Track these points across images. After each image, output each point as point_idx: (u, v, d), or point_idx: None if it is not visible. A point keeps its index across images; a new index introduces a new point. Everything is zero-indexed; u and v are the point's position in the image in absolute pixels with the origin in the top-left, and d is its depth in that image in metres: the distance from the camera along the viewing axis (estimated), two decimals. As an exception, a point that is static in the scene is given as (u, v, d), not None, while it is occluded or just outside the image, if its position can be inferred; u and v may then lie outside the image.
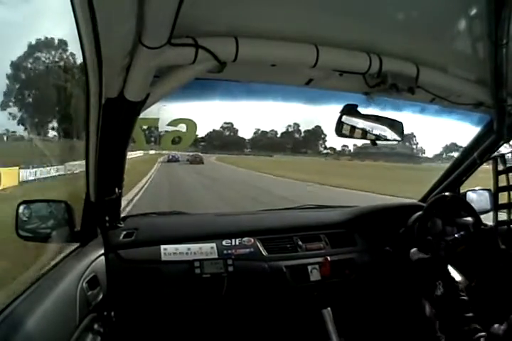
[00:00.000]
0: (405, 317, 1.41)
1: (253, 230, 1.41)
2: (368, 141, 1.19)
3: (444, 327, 1.09)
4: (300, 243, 1.41)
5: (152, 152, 28.56)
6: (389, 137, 1.20)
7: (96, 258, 1.10)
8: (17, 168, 10.48)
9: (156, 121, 1.15)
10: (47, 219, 1.13)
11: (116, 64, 0.77)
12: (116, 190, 1.17)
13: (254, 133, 61.43)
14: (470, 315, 1.01)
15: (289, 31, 0.90)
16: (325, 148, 59.85)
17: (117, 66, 0.78)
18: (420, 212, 1.41)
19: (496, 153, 1.46)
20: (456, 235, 1.26)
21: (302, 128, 61.07)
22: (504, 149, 1.46)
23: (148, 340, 1.28)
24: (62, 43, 28.65)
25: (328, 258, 1.37)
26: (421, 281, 1.27)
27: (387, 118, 1.20)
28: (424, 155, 53.32)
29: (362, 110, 1.14)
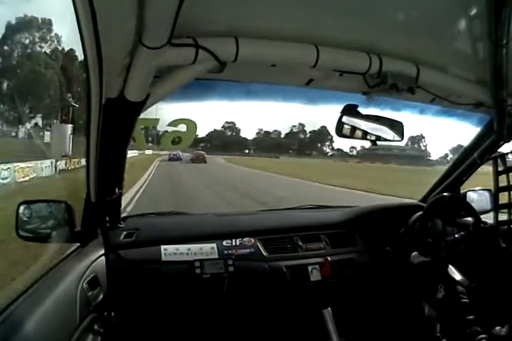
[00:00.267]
0: (406, 318, 1.41)
1: (253, 230, 1.41)
2: (378, 143, 1.19)
3: (445, 329, 1.09)
4: (300, 243, 1.41)
5: (149, 152, 26.71)
6: (389, 137, 1.20)
7: (96, 258, 1.10)
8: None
9: (157, 122, 1.15)
10: (47, 220, 1.13)
11: (116, 64, 0.77)
12: (117, 190, 1.17)
13: (257, 133, 60.69)
14: (471, 317, 1.01)
15: (289, 31, 0.90)
16: (332, 149, 58.97)
17: (117, 66, 0.78)
18: (420, 212, 1.41)
19: (496, 153, 1.47)
20: (456, 235, 1.26)
21: (307, 129, 60.21)
22: (504, 149, 1.46)
23: (149, 340, 1.28)
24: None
25: (329, 258, 1.37)
26: (422, 284, 1.27)
27: (387, 118, 1.20)
28: (435, 157, 52.77)
29: (362, 110, 1.14)
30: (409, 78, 1.04)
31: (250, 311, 1.34)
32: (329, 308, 1.39)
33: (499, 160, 1.44)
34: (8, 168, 9.50)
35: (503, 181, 1.44)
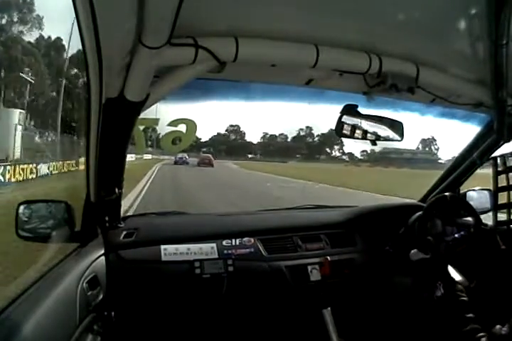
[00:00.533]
0: (405, 318, 1.41)
1: (253, 230, 1.41)
2: (390, 147, 1.19)
3: (445, 327, 1.09)
4: (300, 243, 1.41)
5: (148, 156, 24.55)
6: (389, 137, 1.20)
7: (96, 258, 1.10)
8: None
9: (156, 122, 1.15)
10: (47, 219, 1.12)
11: (116, 64, 0.77)
12: (116, 190, 1.17)
13: (263, 137, 59.63)
14: (470, 315, 1.01)
15: (288, 31, 0.90)
16: (343, 153, 57.66)
17: (117, 66, 0.78)
18: (420, 212, 1.41)
19: (496, 153, 1.47)
20: (456, 235, 1.26)
21: (315, 132, 58.86)
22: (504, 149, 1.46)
23: (149, 340, 1.28)
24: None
25: (328, 258, 1.37)
26: (421, 282, 1.27)
27: (387, 118, 1.20)
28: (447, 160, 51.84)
29: (362, 110, 1.14)
30: (409, 78, 1.04)
31: (250, 311, 1.34)
32: (329, 308, 1.39)
33: (499, 160, 1.44)
34: None
35: (503, 182, 1.44)
